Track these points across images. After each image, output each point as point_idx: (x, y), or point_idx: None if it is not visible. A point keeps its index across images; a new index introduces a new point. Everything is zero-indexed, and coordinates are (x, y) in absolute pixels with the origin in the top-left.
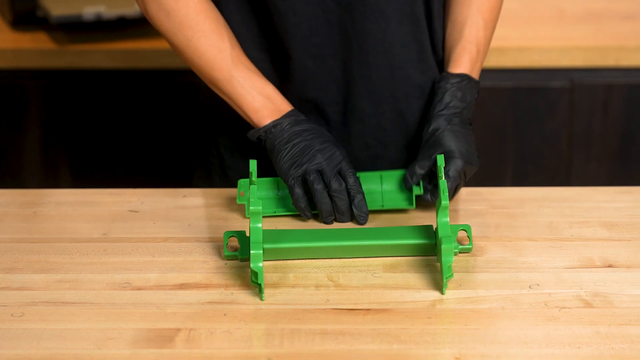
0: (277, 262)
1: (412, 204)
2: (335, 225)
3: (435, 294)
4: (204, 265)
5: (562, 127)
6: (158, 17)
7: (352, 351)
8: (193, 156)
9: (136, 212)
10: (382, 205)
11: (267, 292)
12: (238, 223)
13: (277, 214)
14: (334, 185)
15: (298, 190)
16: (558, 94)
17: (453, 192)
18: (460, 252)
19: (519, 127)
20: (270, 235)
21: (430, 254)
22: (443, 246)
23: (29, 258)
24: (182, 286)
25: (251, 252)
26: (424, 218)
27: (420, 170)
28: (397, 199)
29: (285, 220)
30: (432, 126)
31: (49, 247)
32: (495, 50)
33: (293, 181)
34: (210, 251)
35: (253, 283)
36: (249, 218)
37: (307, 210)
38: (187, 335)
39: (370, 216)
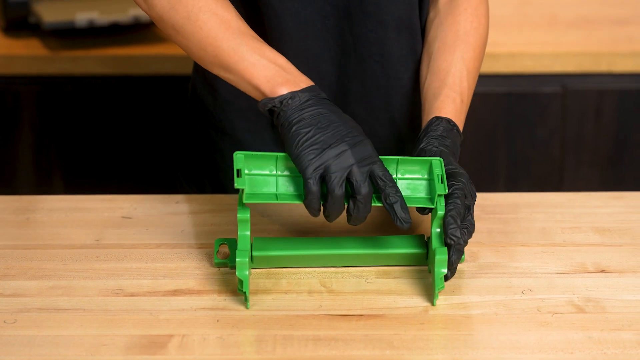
0: (270, 268)
1: (432, 202)
2: (327, 233)
3: (428, 300)
4: (196, 272)
5: (555, 132)
6: None
7: (345, 357)
8: (178, 160)
9: (129, 218)
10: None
11: (259, 298)
12: (230, 228)
13: (279, 200)
14: (363, 190)
15: (315, 189)
16: (550, 100)
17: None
18: None
19: (511, 133)
20: (262, 243)
21: (422, 264)
22: (437, 257)
23: (22, 264)
24: (175, 292)
25: (237, 259)
26: (417, 224)
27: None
28: (416, 198)
29: (280, 216)
30: (422, 146)
31: (41, 253)
32: (487, 55)
33: (312, 179)
34: (203, 257)
35: (239, 291)
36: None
37: (318, 211)
38: (180, 341)
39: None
